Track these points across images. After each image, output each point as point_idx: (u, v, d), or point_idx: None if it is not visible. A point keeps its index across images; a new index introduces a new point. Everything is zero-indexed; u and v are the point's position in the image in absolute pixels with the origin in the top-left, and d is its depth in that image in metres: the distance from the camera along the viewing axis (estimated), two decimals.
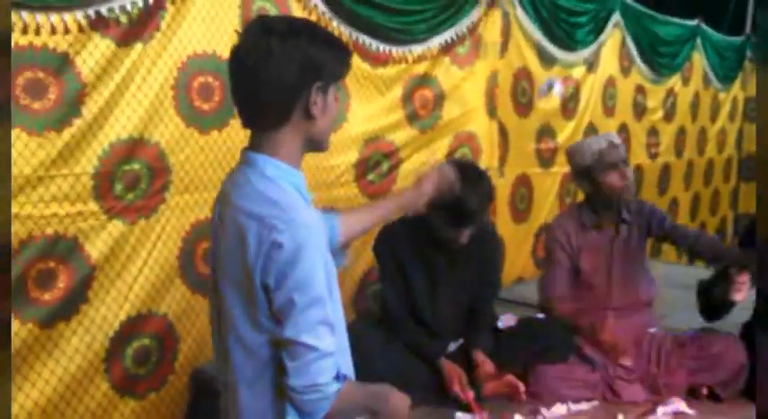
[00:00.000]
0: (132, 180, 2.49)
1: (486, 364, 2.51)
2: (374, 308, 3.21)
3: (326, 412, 1.40)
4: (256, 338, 1.42)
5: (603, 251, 2.81)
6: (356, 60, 3.23)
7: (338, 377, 1.42)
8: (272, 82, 1.36)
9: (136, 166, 2.50)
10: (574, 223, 2.86)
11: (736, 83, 6.94)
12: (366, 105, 3.33)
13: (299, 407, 1.40)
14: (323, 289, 1.39)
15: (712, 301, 2.62)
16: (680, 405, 2.50)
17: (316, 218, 1.42)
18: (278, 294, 1.36)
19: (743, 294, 2.43)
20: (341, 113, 3.20)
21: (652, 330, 2.79)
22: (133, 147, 2.48)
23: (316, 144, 1.48)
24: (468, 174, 2.34)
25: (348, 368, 1.56)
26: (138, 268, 2.54)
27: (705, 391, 2.57)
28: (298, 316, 1.36)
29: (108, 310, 2.46)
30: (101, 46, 2.35)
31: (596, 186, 2.75)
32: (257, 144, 1.45)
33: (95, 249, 2.41)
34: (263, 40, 1.36)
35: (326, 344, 1.39)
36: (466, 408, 2.42)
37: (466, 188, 2.20)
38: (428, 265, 2.65)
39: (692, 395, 2.57)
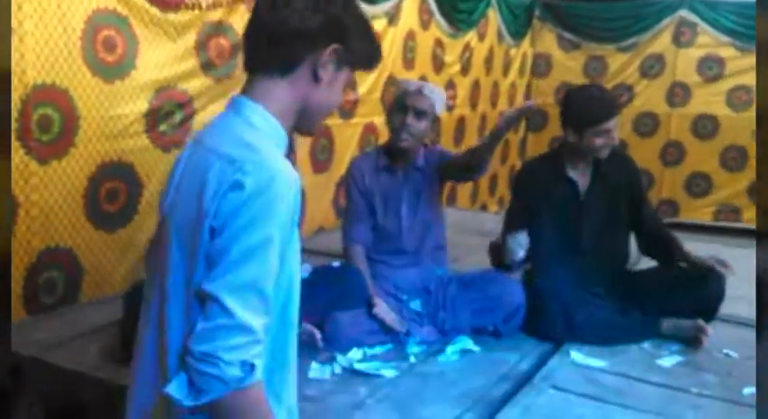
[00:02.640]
0: None
1: None
2: None
3: (219, 399, 1.14)
4: (189, 297, 1.21)
5: (394, 194, 2.89)
6: (144, 3, 3.05)
7: (250, 368, 1.15)
8: (291, 19, 1.26)
9: None
10: (370, 165, 2.92)
11: (526, 39, 7.35)
12: (156, 52, 3.15)
13: (192, 378, 1.14)
14: (269, 245, 1.17)
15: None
16: (466, 343, 2.66)
17: (295, 178, 1.22)
18: (217, 240, 1.16)
19: None
20: (129, 60, 3.03)
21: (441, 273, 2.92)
22: None
23: (306, 119, 1.36)
24: None
25: (290, 407, 1.36)
26: None
27: (488, 329, 2.74)
28: (226, 268, 1.14)
29: None
30: None
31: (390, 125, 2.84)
32: (249, 89, 1.32)
33: None
34: None
35: (249, 318, 1.14)
36: None
37: None
38: None
39: (476, 333, 2.74)
